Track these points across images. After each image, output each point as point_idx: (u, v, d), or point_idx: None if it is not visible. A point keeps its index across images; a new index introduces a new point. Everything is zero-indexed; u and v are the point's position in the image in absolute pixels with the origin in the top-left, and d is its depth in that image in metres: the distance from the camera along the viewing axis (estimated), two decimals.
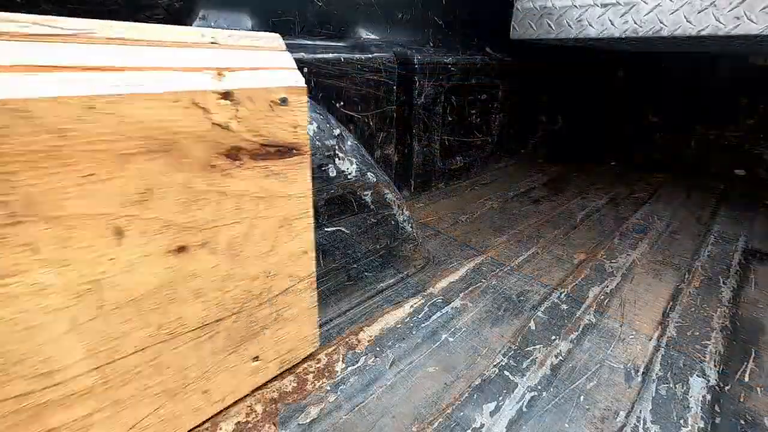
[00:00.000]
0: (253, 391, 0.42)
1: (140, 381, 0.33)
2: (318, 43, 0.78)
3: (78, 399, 0.30)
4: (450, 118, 1.06)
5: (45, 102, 0.24)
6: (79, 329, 0.28)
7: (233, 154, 0.33)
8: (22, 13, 0.26)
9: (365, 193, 0.62)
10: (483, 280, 0.66)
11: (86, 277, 0.28)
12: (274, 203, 0.38)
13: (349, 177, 0.59)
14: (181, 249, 0.32)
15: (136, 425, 0.33)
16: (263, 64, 0.36)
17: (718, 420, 0.43)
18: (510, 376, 0.47)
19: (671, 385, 0.46)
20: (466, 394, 0.44)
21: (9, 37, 0.25)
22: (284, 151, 0.37)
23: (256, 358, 0.41)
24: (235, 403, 0.41)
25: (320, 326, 0.50)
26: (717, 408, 0.44)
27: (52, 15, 0.27)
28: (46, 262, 0.26)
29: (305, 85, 0.37)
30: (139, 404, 0.33)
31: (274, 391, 0.42)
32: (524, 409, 0.42)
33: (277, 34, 0.40)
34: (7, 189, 0.24)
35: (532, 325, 0.56)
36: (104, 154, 0.27)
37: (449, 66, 0.99)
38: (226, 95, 0.32)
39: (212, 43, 0.34)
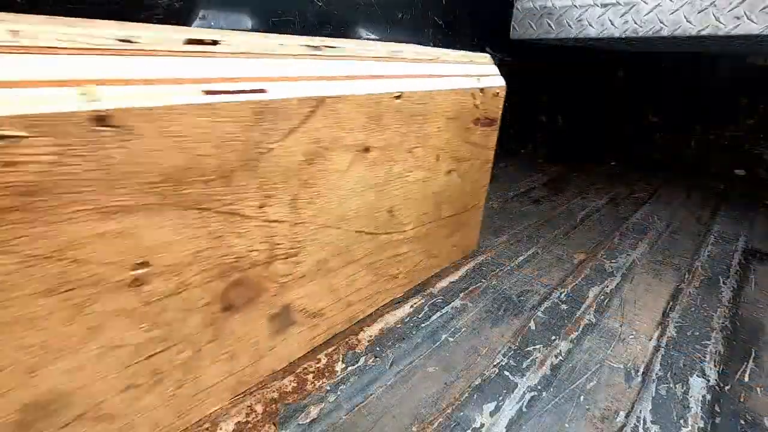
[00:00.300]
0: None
1: (422, 242, 0.60)
2: None
3: (405, 243, 0.57)
4: None
5: (435, 93, 0.52)
6: (415, 204, 0.55)
7: (476, 121, 0.61)
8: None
9: None
10: (483, 280, 0.66)
11: (425, 176, 0.55)
12: (481, 151, 0.65)
13: None
14: (450, 171, 0.60)
15: (418, 263, 0.61)
16: (487, 72, 0.63)
17: (718, 420, 0.43)
18: (510, 376, 0.47)
19: (671, 385, 0.46)
20: (466, 394, 0.44)
21: (380, 60, 0.48)
22: (491, 122, 0.65)
23: (454, 246, 0.69)
24: (442, 269, 0.68)
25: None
26: (717, 408, 0.44)
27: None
28: (420, 169, 0.54)
29: (505, 85, 0.65)
30: (417, 255, 0.60)
31: (274, 391, 0.42)
32: (524, 409, 0.42)
33: (488, 55, 0.66)
34: (415, 129, 0.51)
35: (532, 325, 0.56)
36: (440, 117, 0.54)
37: None
38: (482, 90, 0.60)
39: (471, 61, 0.61)
